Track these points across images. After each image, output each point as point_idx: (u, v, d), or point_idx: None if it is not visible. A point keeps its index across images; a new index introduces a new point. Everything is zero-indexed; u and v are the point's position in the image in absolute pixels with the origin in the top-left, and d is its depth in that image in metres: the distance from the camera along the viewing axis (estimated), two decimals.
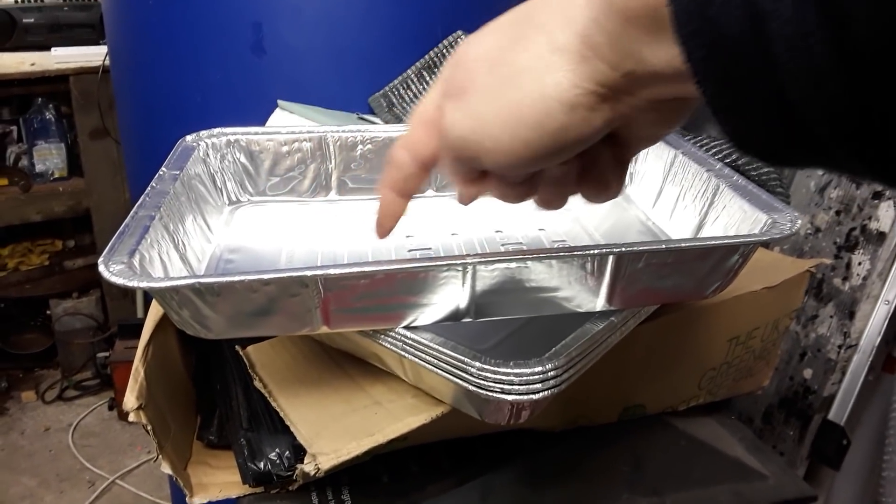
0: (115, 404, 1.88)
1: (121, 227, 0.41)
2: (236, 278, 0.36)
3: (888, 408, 1.05)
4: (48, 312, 1.97)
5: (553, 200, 0.31)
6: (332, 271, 0.37)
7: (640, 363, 0.56)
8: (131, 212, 0.42)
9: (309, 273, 0.37)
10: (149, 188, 0.45)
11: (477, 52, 0.27)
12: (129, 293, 1.96)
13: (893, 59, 0.17)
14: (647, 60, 0.22)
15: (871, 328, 1.02)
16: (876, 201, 0.99)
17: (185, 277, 0.36)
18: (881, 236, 0.99)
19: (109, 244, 0.39)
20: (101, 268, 0.36)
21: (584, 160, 0.28)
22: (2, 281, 1.89)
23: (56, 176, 1.88)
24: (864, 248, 1.01)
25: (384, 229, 0.36)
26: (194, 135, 0.54)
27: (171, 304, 0.38)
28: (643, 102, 0.25)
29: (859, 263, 1.01)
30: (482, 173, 0.30)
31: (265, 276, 0.36)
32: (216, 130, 0.55)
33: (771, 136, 0.21)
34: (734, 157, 0.68)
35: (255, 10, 0.74)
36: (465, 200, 0.33)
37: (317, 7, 0.74)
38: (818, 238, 1.05)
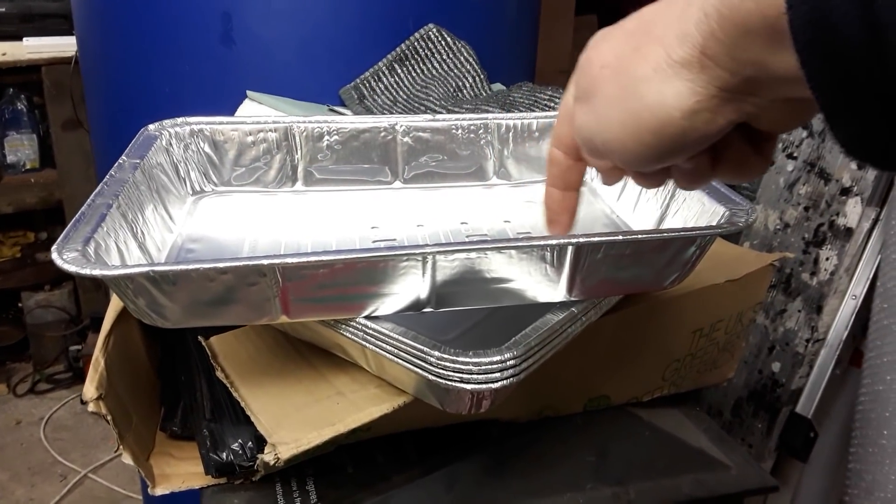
0: None
1: (76, 215, 0.40)
2: (192, 266, 0.36)
3: (855, 401, 1.07)
4: (20, 305, 1.94)
5: (692, 184, 0.32)
6: (290, 260, 0.37)
7: (605, 354, 0.56)
8: (88, 200, 0.42)
9: (266, 262, 0.37)
10: (107, 176, 0.45)
11: (601, 59, 0.29)
12: (102, 286, 1.94)
13: None
14: (768, 66, 0.23)
15: (839, 323, 1.04)
16: (844, 197, 1.01)
17: (139, 266, 0.35)
18: (848, 232, 1.00)
19: (64, 232, 0.38)
20: (55, 255, 0.36)
21: (716, 149, 0.29)
22: None
23: (28, 167, 1.85)
24: (832, 243, 1.02)
25: (562, 225, 0.37)
26: (157, 123, 0.54)
27: (127, 293, 0.37)
28: (768, 102, 0.25)
29: (827, 259, 1.02)
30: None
31: (221, 265, 0.36)
32: (179, 120, 0.54)
33: (885, 144, 0.21)
34: None
35: (225, 1, 0.73)
36: (609, 182, 0.34)
37: None
38: (787, 233, 1.06)
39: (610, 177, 0.33)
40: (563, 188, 0.36)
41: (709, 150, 0.29)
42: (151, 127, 0.53)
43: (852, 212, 0.99)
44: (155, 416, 0.58)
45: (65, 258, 0.36)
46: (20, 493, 1.65)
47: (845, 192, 1.00)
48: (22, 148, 1.84)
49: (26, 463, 1.73)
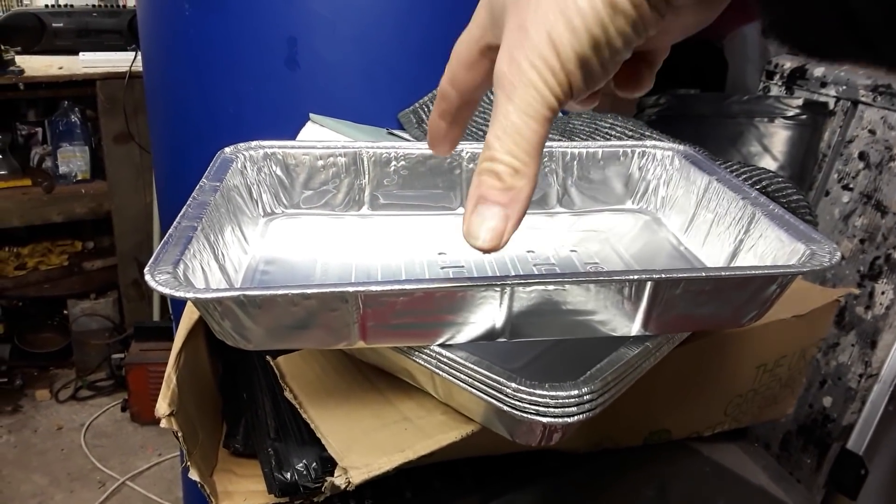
0: (128, 405, 1.89)
1: (165, 237, 0.41)
2: (279, 292, 0.36)
3: None
4: (65, 312, 1.98)
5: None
6: (372, 288, 0.38)
7: (668, 388, 0.55)
8: (175, 222, 0.43)
9: (350, 289, 0.37)
10: (190, 199, 0.46)
11: None
12: (145, 296, 1.97)
13: None
14: None
15: (893, 358, 1.01)
16: None
17: (229, 289, 0.36)
18: None
19: (154, 254, 0.39)
20: (148, 277, 0.37)
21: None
22: (21, 280, 1.91)
23: (79, 178, 1.90)
24: (888, 277, 1.00)
25: (444, 150, 0.37)
26: (232, 147, 0.55)
27: (214, 315, 0.38)
28: None
29: (882, 293, 1.00)
30: None
31: (307, 291, 0.37)
32: (254, 143, 0.55)
33: (816, 27, 0.21)
34: (764, 183, 0.68)
35: (291, 26, 0.74)
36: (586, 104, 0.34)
37: (350, 24, 0.75)
38: (842, 266, 1.05)
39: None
40: (451, 122, 0.36)
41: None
42: (227, 150, 0.54)
43: None
44: (218, 432, 0.59)
45: (157, 280, 0.37)
46: (59, 497, 1.68)
47: None
48: (74, 159, 1.89)
49: (66, 468, 1.76)
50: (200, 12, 0.78)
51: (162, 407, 0.49)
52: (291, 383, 0.51)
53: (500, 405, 0.40)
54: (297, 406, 0.49)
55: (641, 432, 0.58)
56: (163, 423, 0.48)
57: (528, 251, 0.55)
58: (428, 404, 0.49)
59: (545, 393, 0.38)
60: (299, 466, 0.51)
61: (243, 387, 0.61)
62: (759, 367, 0.59)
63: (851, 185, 1.05)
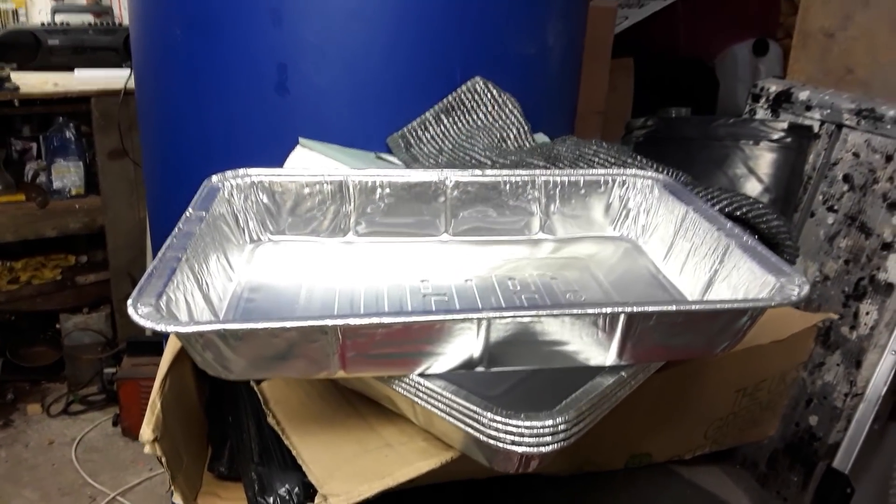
0: (120, 420, 1.88)
1: (149, 269, 0.42)
2: (259, 325, 0.37)
3: (893, 457, 1.05)
4: (58, 326, 1.98)
5: None
6: (351, 321, 0.38)
7: (648, 412, 0.56)
8: (160, 252, 0.44)
9: (330, 322, 0.38)
10: (175, 229, 0.47)
11: None
12: None
13: None
14: None
15: (878, 377, 1.02)
16: (885, 252, 1.00)
17: (210, 322, 0.37)
18: (889, 287, 0.99)
19: (138, 286, 0.40)
20: (130, 310, 0.38)
21: None
22: (14, 294, 1.91)
23: (73, 193, 1.91)
24: (872, 298, 1.01)
25: None
26: (219, 175, 0.56)
27: (196, 347, 0.39)
28: None
29: (867, 313, 1.02)
30: None
31: (287, 325, 0.38)
32: (241, 171, 0.56)
33: None
34: (745, 209, 0.69)
35: (281, 52, 0.76)
36: None
37: (339, 51, 0.76)
38: (826, 286, 1.06)
39: None
40: None
41: None
42: (214, 178, 0.55)
43: (893, 267, 0.99)
44: (203, 455, 0.60)
45: (140, 313, 0.38)
46: None
47: (886, 247, 1.00)
48: (68, 174, 1.89)
49: (56, 483, 1.76)
50: (191, 37, 0.80)
51: (146, 433, 0.49)
52: (275, 408, 0.52)
53: (478, 434, 0.41)
54: (280, 432, 0.50)
55: (623, 456, 0.59)
56: (147, 449, 0.49)
57: (509, 278, 0.56)
58: (409, 430, 0.49)
59: (520, 423, 0.39)
60: (282, 491, 0.52)
61: (229, 410, 0.61)
62: (738, 391, 0.60)
63: (836, 207, 1.06)
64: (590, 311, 0.40)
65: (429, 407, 0.43)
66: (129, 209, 1.88)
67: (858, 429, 1.04)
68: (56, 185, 1.90)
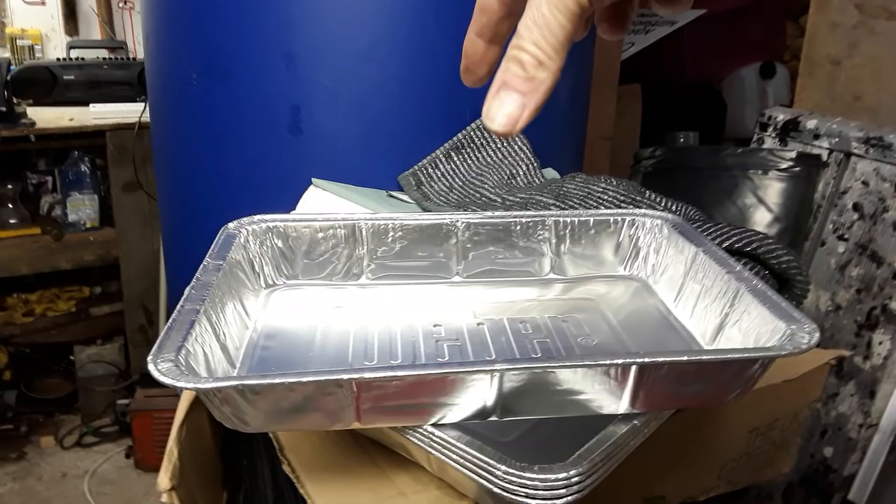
0: (133, 452, 1.89)
1: (168, 322, 0.43)
2: (277, 381, 0.38)
3: None
4: (71, 358, 2.00)
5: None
6: (366, 375, 0.39)
7: (661, 455, 0.56)
8: (178, 305, 0.45)
9: (345, 376, 0.39)
10: (193, 280, 0.48)
11: None
12: (151, 342, 1.98)
13: None
14: None
15: (892, 408, 1.01)
16: None
17: (228, 379, 0.38)
18: None
19: (158, 341, 0.41)
20: (150, 367, 0.38)
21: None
22: (29, 326, 1.93)
23: (88, 226, 1.93)
24: (885, 327, 1.01)
25: (479, 78, 0.35)
26: (236, 222, 0.57)
27: (214, 401, 0.40)
28: None
29: (880, 343, 1.01)
30: None
31: (303, 379, 0.38)
32: (257, 217, 0.57)
33: None
34: (754, 245, 0.69)
35: (294, 94, 0.77)
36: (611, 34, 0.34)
37: (351, 93, 0.77)
38: (839, 315, 1.05)
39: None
40: (489, 40, 0.34)
41: None
42: (231, 225, 0.56)
43: None
44: (218, 500, 0.60)
45: (160, 369, 0.38)
46: None
47: None
48: (83, 207, 1.92)
49: None
50: (207, 82, 0.81)
51: (164, 481, 0.50)
52: (290, 455, 0.52)
53: (491, 487, 0.41)
54: (295, 480, 0.50)
55: (636, 499, 0.59)
56: (164, 498, 0.50)
57: (521, 321, 0.57)
58: (423, 478, 0.50)
59: (534, 476, 0.39)
60: None
61: (244, 454, 0.62)
62: (751, 432, 0.60)
63: (847, 236, 1.06)
64: (601, 362, 0.40)
65: (442, 457, 0.44)
66: (143, 241, 1.91)
67: (874, 460, 1.03)
68: (71, 217, 1.93)
